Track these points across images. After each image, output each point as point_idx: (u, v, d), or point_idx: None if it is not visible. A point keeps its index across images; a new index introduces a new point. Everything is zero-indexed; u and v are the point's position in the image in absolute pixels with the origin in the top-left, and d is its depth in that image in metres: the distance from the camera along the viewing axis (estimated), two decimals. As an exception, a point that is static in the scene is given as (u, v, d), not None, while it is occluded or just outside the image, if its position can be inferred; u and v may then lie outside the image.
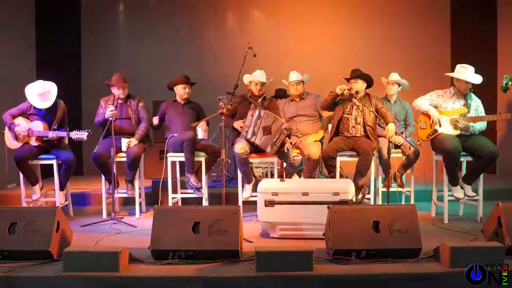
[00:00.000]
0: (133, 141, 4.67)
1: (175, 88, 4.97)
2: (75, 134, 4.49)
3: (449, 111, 4.42)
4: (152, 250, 3.02)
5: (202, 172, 4.74)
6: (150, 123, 4.93)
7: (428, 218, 4.56)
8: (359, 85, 4.68)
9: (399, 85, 5.06)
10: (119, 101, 4.84)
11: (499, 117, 4.41)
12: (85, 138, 4.49)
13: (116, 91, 4.80)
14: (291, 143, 4.68)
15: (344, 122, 4.73)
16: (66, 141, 4.84)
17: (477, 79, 4.33)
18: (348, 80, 4.75)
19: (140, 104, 4.88)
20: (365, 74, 4.71)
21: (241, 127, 4.71)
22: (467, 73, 4.34)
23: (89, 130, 4.53)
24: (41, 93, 4.50)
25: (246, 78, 4.97)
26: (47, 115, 4.64)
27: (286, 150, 4.59)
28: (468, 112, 4.38)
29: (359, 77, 4.69)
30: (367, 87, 4.77)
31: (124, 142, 4.62)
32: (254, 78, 4.87)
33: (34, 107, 4.62)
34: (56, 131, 4.58)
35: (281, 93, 5.96)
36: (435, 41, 7.21)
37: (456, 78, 4.42)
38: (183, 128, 4.80)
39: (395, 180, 4.98)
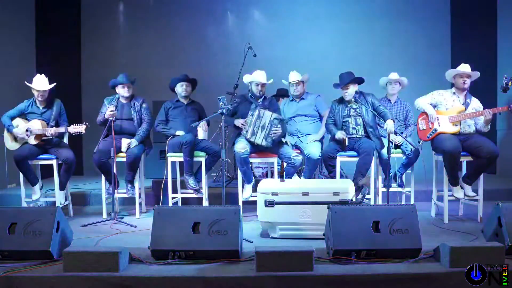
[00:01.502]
0: (133, 141, 4.67)
1: (175, 88, 4.97)
2: (73, 128, 4.51)
3: (447, 110, 4.43)
4: (152, 250, 3.02)
5: (202, 172, 4.74)
6: (151, 125, 4.92)
7: (428, 218, 4.56)
8: (351, 90, 4.64)
9: (399, 84, 5.08)
10: (123, 101, 4.85)
11: (495, 110, 4.37)
12: (83, 131, 4.50)
13: (121, 90, 4.80)
14: (286, 141, 4.67)
15: (344, 125, 4.73)
16: (66, 141, 4.84)
17: (474, 74, 4.37)
18: (338, 87, 4.70)
19: (144, 105, 4.89)
20: (354, 78, 4.63)
21: (242, 124, 4.71)
22: (460, 66, 4.41)
23: (87, 123, 4.53)
24: (41, 79, 4.60)
25: (246, 78, 4.96)
26: (45, 113, 4.68)
27: (286, 143, 4.56)
28: (465, 110, 4.39)
29: (350, 82, 4.64)
30: (359, 84, 4.73)
31: (124, 142, 4.62)
32: (255, 78, 4.86)
33: (32, 105, 4.67)
34: (54, 127, 4.59)
35: (283, 92, 5.96)
36: (435, 41, 7.22)
37: (452, 76, 4.46)
38: (185, 128, 4.80)
39: (395, 180, 4.99)
